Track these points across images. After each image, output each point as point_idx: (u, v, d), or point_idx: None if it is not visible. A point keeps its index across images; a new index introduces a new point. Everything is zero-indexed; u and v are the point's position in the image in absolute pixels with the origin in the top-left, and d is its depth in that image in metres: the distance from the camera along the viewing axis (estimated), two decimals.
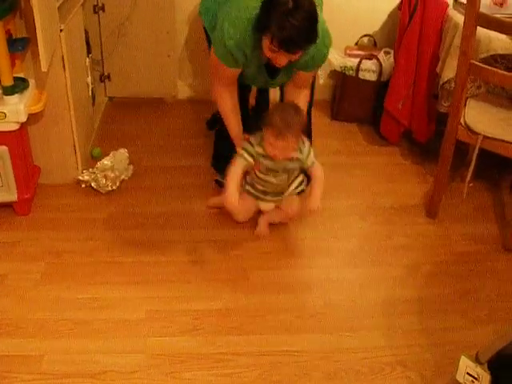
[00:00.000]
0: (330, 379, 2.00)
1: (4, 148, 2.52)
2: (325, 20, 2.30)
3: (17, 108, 2.44)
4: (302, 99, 2.50)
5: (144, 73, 3.57)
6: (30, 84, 2.56)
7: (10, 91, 2.43)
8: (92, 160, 3.03)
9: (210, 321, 2.21)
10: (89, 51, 3.15)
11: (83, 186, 2.89)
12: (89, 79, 3.07)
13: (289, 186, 2.56)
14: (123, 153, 3.01)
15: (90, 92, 3.14)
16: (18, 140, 2.56)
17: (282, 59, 2.17)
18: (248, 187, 2.55)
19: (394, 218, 2.80)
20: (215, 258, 2.52)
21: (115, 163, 2.92)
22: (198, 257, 2.52)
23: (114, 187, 2.87)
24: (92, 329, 2.16)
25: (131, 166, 3.01)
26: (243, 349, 2.10)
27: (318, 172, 2.44)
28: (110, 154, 2.98)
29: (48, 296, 2.29)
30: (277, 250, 2.57)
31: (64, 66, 2.63)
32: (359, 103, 3.49)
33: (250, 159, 2.40)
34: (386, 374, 2.03)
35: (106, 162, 2.92)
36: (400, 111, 3.20)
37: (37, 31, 2.11)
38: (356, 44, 3.62)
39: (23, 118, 2.47)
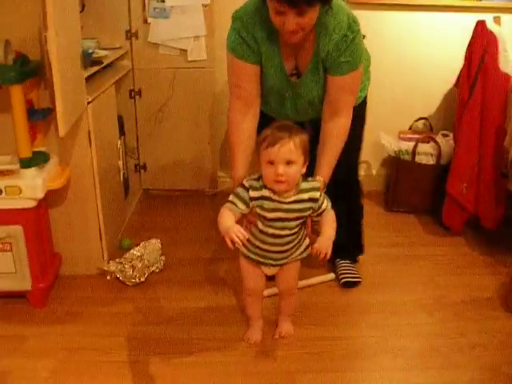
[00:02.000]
0: None
1: (18, 228, 2.25)
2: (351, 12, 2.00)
3: (34, 182, 2.20)
4: (338, 128, 2.08)
5: (182, 163, 3.35)
6: (52, 159, 2.34)
7: (27, 164, 2.21)
8: (121, 252, 2.72)
9: None
10: (122, 133, 2.96)
11: (108, 277, 2.57)
12: (120, 163, 2.85)
13: (295, 247, 2.02)
14: (155, 243, 2.71)
15: (122, 177, 2.91)
16: (35, 220, 2.30)
17: (289, 22, 1.81)
18: (245, 250, 2.04)
19: (465, 313, 2.36)
20: (255, 358, 2.11)
21: (146, 253, 2.61)
22: (235, 358, 2.12)
23: (142, 279, 2.54)
24: None
25: (163, 257, 2.70)
26: None
27: (330, 215, 1.95)
28: (141, 244, 2.69)
29: None
30: (330, 350, 2.15)
31: (90, 142, 2.42)
32: (417, 191, 3.15)
33: (243, 206, 1.88)
34: None
35: (134, 253, 2.62)
36: (464, 195, 2.84)
37: (54, 87, 1.91)
38: (410, 128, 3.34)
39: (40, 194, 2.23)
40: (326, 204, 1.93)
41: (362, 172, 2.96)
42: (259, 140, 1.87)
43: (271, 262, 2.02)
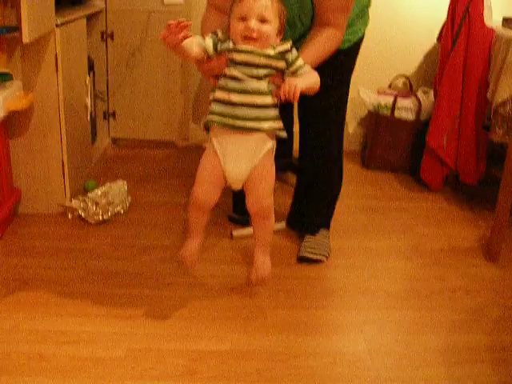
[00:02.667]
0: None
1: None
2: None
3: None
4: (327, 33, 1.84)
5: (153, 112, 3.20)
6: (15, 82, 2.18)
7: None
8: (84, 194, 2.56)
9: (212, 364, 1.65)
10: (91, 69, 2.80)
11: (70, 215, 2.42)
12: (88, 102, 2.69)
13: (265, 110, 1.69)
14: (121, 184, 2.56)
15: (89, 118, 2.75)
16: None
17: None
18: (209, 115, 1.71)
19: (445, 260, 2.27)
20: (222, 293, 1.99)
21: (111, 192, 2.46)
22: (201, 292, 1.99)
23: (105, 217, 2.39)
24: (51, 366, 1.60)
25: (129, 198, 2.56)
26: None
27: (311, 73, 1.72)
28: (106, 184, 2.53)
29: (1, 326, 1.76)
30: (303, 289, 2.04)
31: (57, 68, 2.26)
32: (395, 148, 3.06)
33: (210, 43, 1.68)
34: None
35: (99, 192, 2.46)
36: (444, 148, 2.76)
37: None
38: (389, 86, 3.25)
39: (0, 114, 2.06)
40: (303, 62, 1.69)
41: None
42: None
43: (238, 122, 1.67)
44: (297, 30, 1.97)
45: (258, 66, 1.65)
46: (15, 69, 2.24)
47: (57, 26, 2.23)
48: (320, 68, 1.78)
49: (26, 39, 1.87)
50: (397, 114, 3.01)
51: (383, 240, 2.40)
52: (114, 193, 2.48)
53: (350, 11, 1.90)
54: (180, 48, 1.59)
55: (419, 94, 3.05)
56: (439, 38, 2.92)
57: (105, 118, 3.21)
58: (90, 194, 2.44)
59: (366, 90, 3.12)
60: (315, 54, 1.81)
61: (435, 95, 2.85)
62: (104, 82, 3.13)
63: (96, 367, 1.61)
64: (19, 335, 1.72)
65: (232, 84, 1.66)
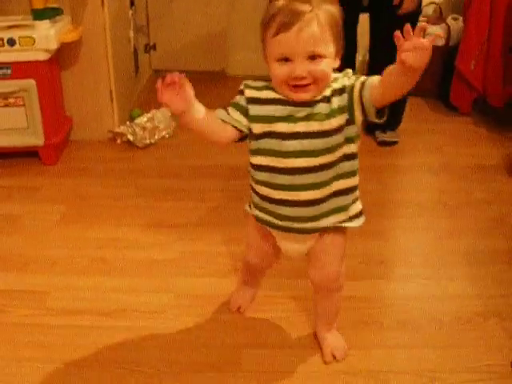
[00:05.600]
0: (406, 328, 1.59)
1: (32, 82, 2.27)
2: None
3: (47, 33, 2.20)
4: None
5: (194, 43, 3.32)
6: (65, 16, 2.34)
7: (39, 15, 2.22)
8: (131, 121, 2.74)
9: None
10: (132, 3, 2.93)
11: (119, 141, 2.61)
12: (131, 34, 2.84)
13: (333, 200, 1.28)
14: (166, 111, 2.72)
15: (132, 49, 2.90)
16: (48, 74, 2.31)
17: None
18: (255, 209, 1.36)
19: (471, 175, 2.40)
20: None
21: (156, 118, 2.64)
22: (242, 203, 2.16)
23: (152, 140, 2.58)
24: (111, 267, 1.83)
25: (173, 123, 2.72)
26: (293, 292, 1.71)
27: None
28: (151, 111, 2.70)
29: (66, 235, 1.99)
30: None
31: (103, 2, 2.41)
32: (425, 73, 3.09)
33: (237, 115, 1.25)
34: (476, 325, 1.60)
35: (145, 119, 2.63)
36: (472, 72, 2.84)
37: None
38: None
39: (54, 45, 2.23)
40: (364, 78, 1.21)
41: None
42: (264, 19, 1.17)
43: (288, 224, 1.29)
44: None
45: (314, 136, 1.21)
46: (64, 4, 2.38)
47: None
48: None
49: None
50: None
51: (413, 158, 2.55)
52: (159, 119, 2.65)
53: None
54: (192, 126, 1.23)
55: (449, 20, 3.09)
56: None
57: (146, 50, 3.34)
58: (136, 121, 2.62)
59: None
60: None
61: (464, 21, 2.90)
62: (144, 16, 3.26)
63: (152, 267, 1.82)
64: (82, 242, 1.95)
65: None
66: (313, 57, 1.15)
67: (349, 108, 1.20)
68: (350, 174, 1.28)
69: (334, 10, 1.17)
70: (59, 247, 1.91)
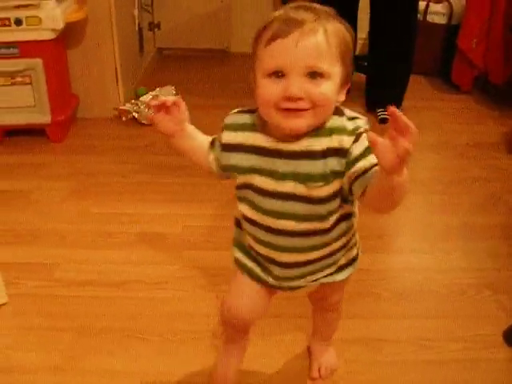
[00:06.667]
0: (401, 299, 1.66)
1: (38, 60, 2.31)
2: None
3: (53, 12, 2.24)
4: None
5: (198, 21, 3.36)
6: None
7: None
8: (136, 99, 2.79)
9: None
10: None
11: (124, 118, 2.66)
12: (136, 12, 2.87)
13: (327, 244, 1.06)
14: (170, 89, 2.78)
15: (137, 28, 2.94)
16: (54, 53, 2.36)
17: None
18: (239, 254, 1.22)
19: (469, 153, 2.45)
20: None
21: (161, 95, 2.68)
22: None
23: None
24: (118, 241, 1.89)
25: None
26: None
27: None
28: (156, 89, 2.75)
29: (74, 210, 2.05)
30: None
31: None
32: (427, 51, 3.16)
33: (214, 167, 1.19)
34: (470, 297, 1.67)
35: (150, 96, 2.68)
36: (474, 50, 2.87)
37: None
38: None
39: (60, 25, 2.27)
40: (373, 160, 0.90)
41: None
42: (257, 31, 0.96)
43: (273, 281, 1.13)
44: None
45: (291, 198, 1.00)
46: None
47: None
48: None
49: None
50: (429, 18, 3.10)
51: None
52: (164, 96, 2.69)
53: None
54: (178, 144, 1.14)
55: None
56: None
57: (150, 29, 3.38)
58: (141, 98, 2.67)
59: None
60: None
61: None
62: None
63: (156, 241, 1.89)
64: (88, 217, 2.01)
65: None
66: (313, 74, 0.89)
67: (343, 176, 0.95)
68: (346, 232, 1.07)
69: (346, 28, 0.94)
70: (67, 222, 1.98)
